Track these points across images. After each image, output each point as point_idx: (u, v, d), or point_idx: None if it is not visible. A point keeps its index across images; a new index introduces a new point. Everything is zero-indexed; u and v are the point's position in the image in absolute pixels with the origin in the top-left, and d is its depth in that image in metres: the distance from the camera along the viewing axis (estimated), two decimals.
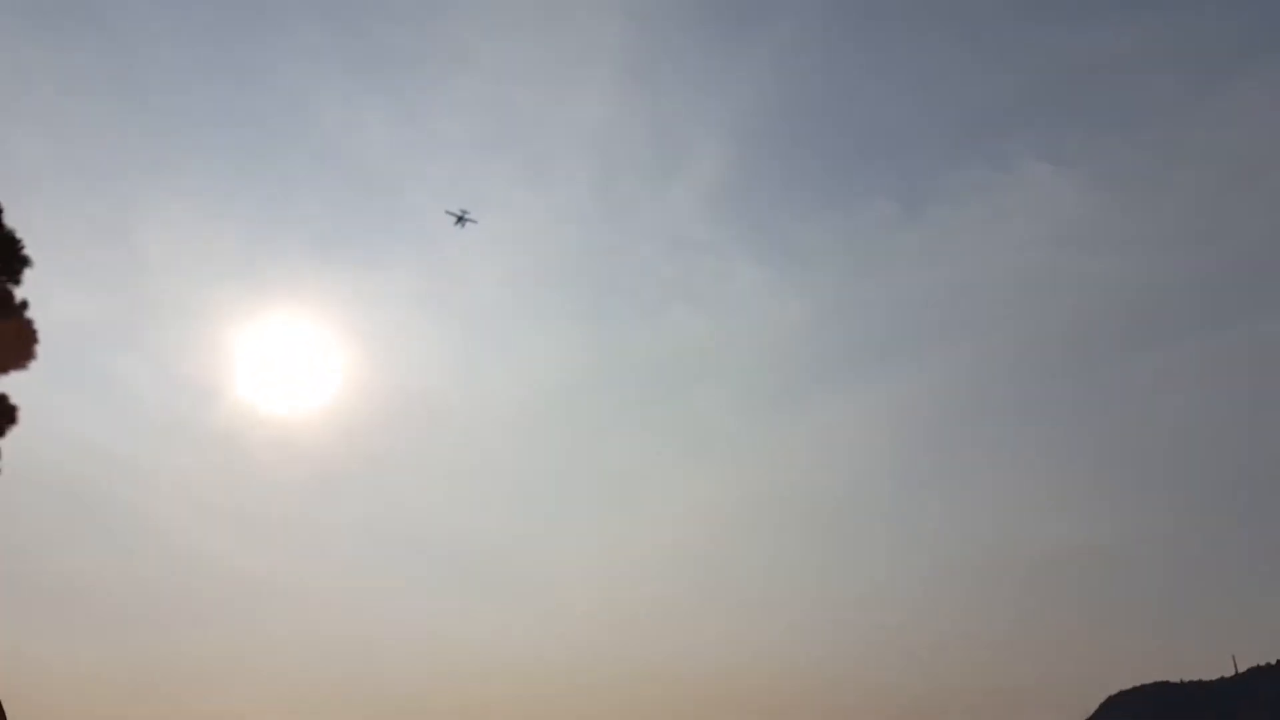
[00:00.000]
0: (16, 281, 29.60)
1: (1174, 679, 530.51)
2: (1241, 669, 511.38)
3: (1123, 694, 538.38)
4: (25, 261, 29.78)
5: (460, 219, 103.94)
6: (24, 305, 29.64)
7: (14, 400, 29.98)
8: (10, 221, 29.93)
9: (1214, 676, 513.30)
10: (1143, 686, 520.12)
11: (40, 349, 30.05)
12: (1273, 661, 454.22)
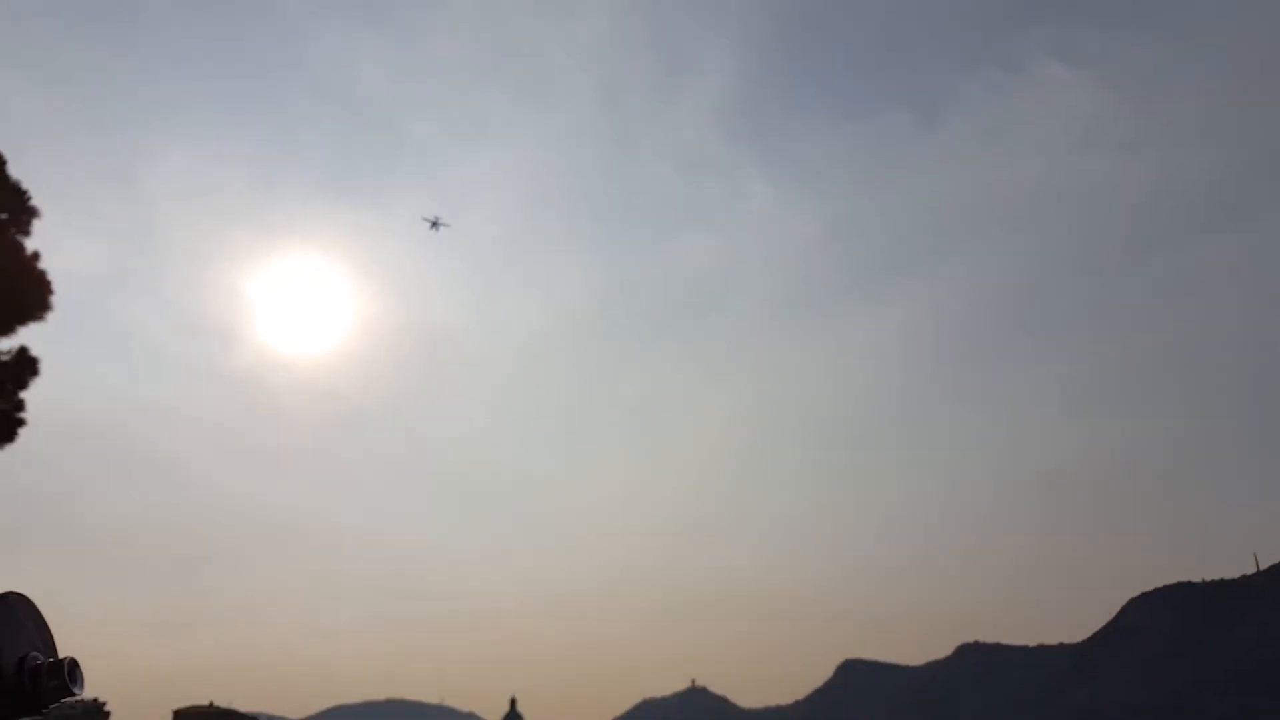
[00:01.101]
0: (26, 233, 29.58)
1: (1196, 579, 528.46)
2: (1263, 566, 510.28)
3: (1145, 595, 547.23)
4: (33, 212, 29.72)
5: (435, 224, 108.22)
6: (36, 256, 29.67)
7: (35, 352, 30.21)
8: (14, 173, 29.81)
9: (1236, 575, 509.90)
10: (1165, 587, 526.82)
11: (56, 300, 30.20)
12: None
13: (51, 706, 2.34)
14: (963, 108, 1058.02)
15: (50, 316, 30.39)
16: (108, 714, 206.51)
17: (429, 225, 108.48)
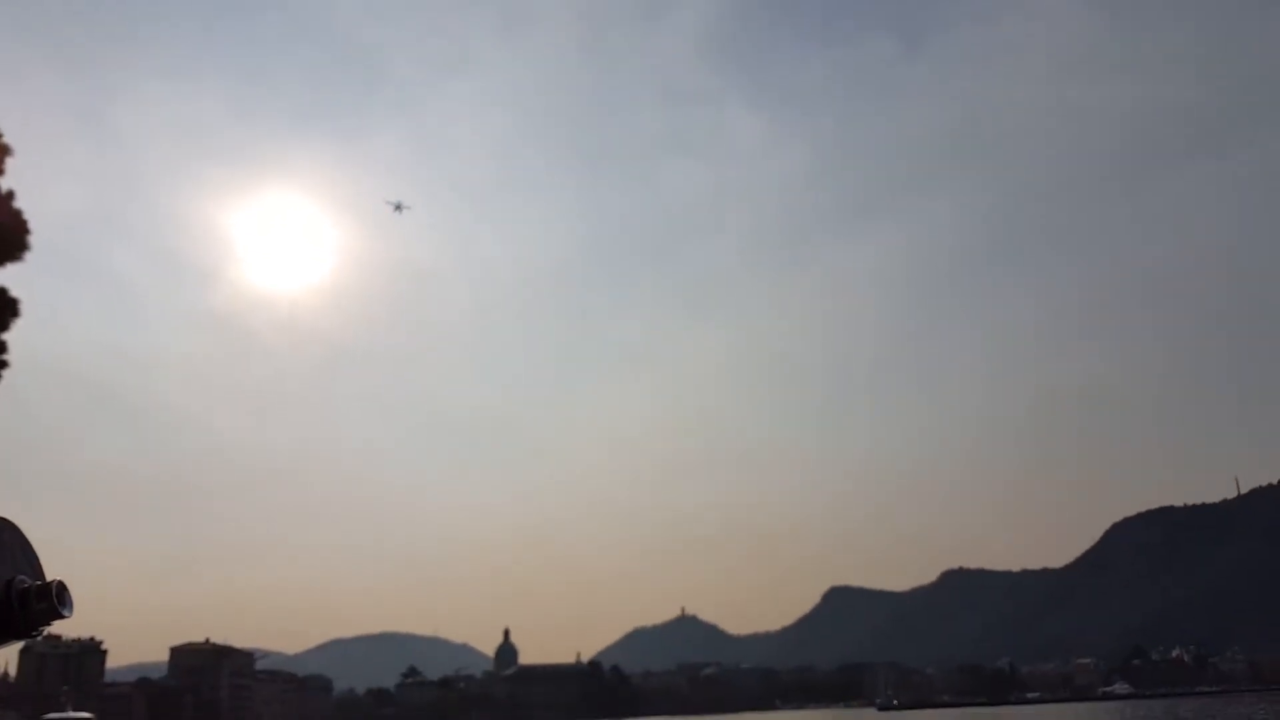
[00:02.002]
0: (0, 171, 28.29)
1: (1178, 503, 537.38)
2: (1244, 490, 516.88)
3: (1127, 520, 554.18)
4: (6, 150, 28.40)
5: (398, 207, 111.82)
6: (10, 195, 28.42)
7: (14, 294, 29.16)
8: None
9: (1217, 499, 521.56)
10: (1147, 512, 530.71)
11: (34, 240, 29.08)
12: (1274, 482, 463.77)
13: (41, 629, 2.38)
14: (950, 33, 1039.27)
15: (28, 258, 29.28)
16: (104, 652, 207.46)
17: (393, 209, 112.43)
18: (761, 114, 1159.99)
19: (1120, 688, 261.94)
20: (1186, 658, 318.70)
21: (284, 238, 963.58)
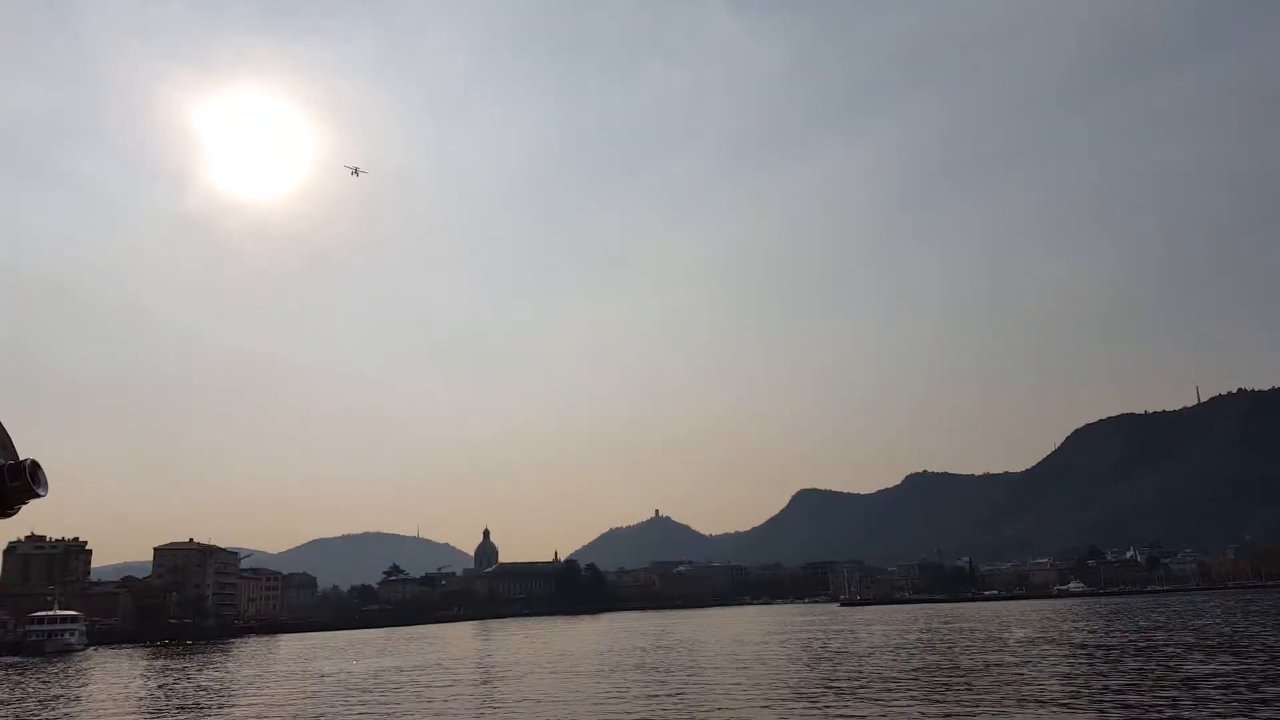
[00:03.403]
0: None
1: (1139, 410, 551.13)
2: (1204, 399, 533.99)
3: (1089, 427, 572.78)
4: None
5: (355, 172, 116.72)
6: None
7: None
8: None
9: (1178, 407, 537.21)
10: (1108, 419, 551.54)
11: None
12: (1234, 390, 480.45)
13: (16, 507, 2.30)
14: None
15: None
16: (89, 552, 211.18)
17: (351, 172, 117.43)
18: (742, 11, 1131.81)
19: (1075, 586, 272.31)
20: (1140, 559, 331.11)
21: (257, 141, 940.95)
